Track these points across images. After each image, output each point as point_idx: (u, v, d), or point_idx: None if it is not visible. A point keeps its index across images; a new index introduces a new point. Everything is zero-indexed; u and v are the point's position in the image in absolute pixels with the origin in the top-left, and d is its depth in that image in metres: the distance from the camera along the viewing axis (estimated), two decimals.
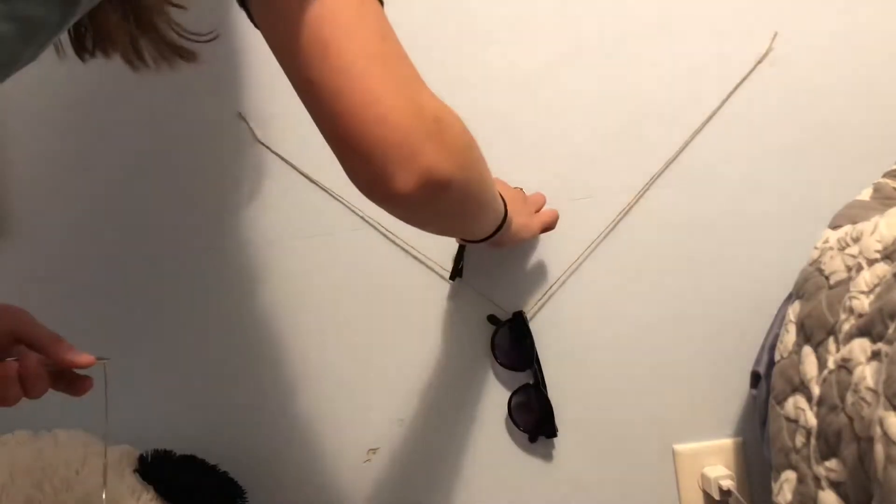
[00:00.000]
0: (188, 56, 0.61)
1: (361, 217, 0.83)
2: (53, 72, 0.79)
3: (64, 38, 0.60)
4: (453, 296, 0.84)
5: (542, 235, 0.81)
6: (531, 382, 0.83)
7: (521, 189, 0.79)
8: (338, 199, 0.83)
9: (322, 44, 0.43)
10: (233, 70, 0.82)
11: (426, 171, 0.44)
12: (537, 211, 0.79)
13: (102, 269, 0.85)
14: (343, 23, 0.44)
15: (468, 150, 0.50)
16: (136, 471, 0.72)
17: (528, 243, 0.83)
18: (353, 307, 0.84)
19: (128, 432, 0.77)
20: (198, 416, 0.85)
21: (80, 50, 0.61)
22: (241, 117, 0.83)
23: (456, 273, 0.82)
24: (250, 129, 0.83)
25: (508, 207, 0.65)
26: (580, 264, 0.83)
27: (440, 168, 0.45)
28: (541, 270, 0.83)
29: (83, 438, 0.74)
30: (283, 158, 0.83)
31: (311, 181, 0.83)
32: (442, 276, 0.83)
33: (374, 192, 0.46)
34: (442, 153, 0.45)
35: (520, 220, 0.71)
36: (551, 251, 0.83)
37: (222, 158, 0.84)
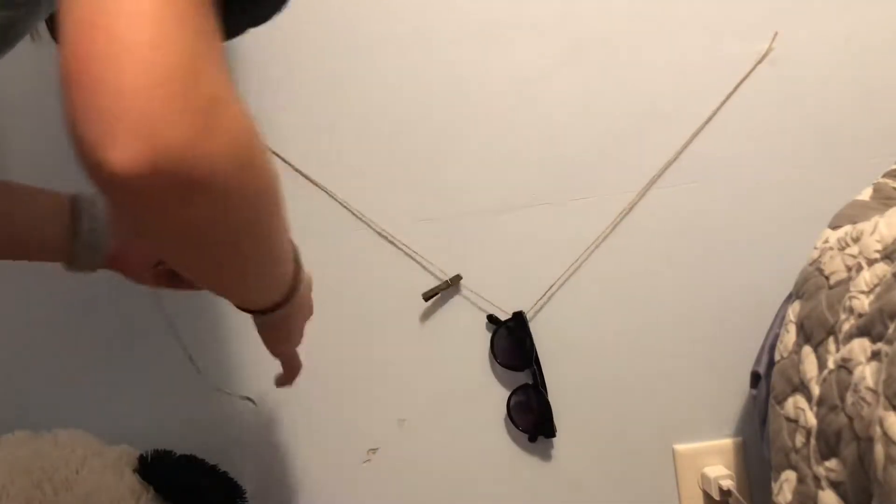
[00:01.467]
0: None
1: (361, 218, 0.83)
2: (54, 71, 0.80)
3: (41, 24, 0.59)
4: (453, 296, 0.84)
5: (541, 235, 0.81)
6: (530, 382, 0.82)
7: None
8: (338, 200, 0.83)
9: None
10: (232, 71, 0.82)
11: (172, 148, 0.32)
12: None
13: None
14: None
15: (251, 150, 0.37)
16: (135, 471, 0.72)
17: (526, 242, 0.83)
18: (353, 307, 0.84)
19: (128, 432, 0.77)
20: (198, 416, 0.85)
21: (57, 33, 0.60)
22: None
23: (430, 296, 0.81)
24: None
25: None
26: (580, 264, 0.83)
27: (200, 152, 0.33)
28: (541, 270, 0.83)
29: (83, 438, 0.74)
30: (282, 159, 0.83)
31: (311, 181, 0.83)
32: (441, 278, 0.83)
33: (86, 154, 0.35)
34: (209, 136, 0.33)
35: (307, 291, 0.55)
36: (551, 251, 0.83)
37: None
